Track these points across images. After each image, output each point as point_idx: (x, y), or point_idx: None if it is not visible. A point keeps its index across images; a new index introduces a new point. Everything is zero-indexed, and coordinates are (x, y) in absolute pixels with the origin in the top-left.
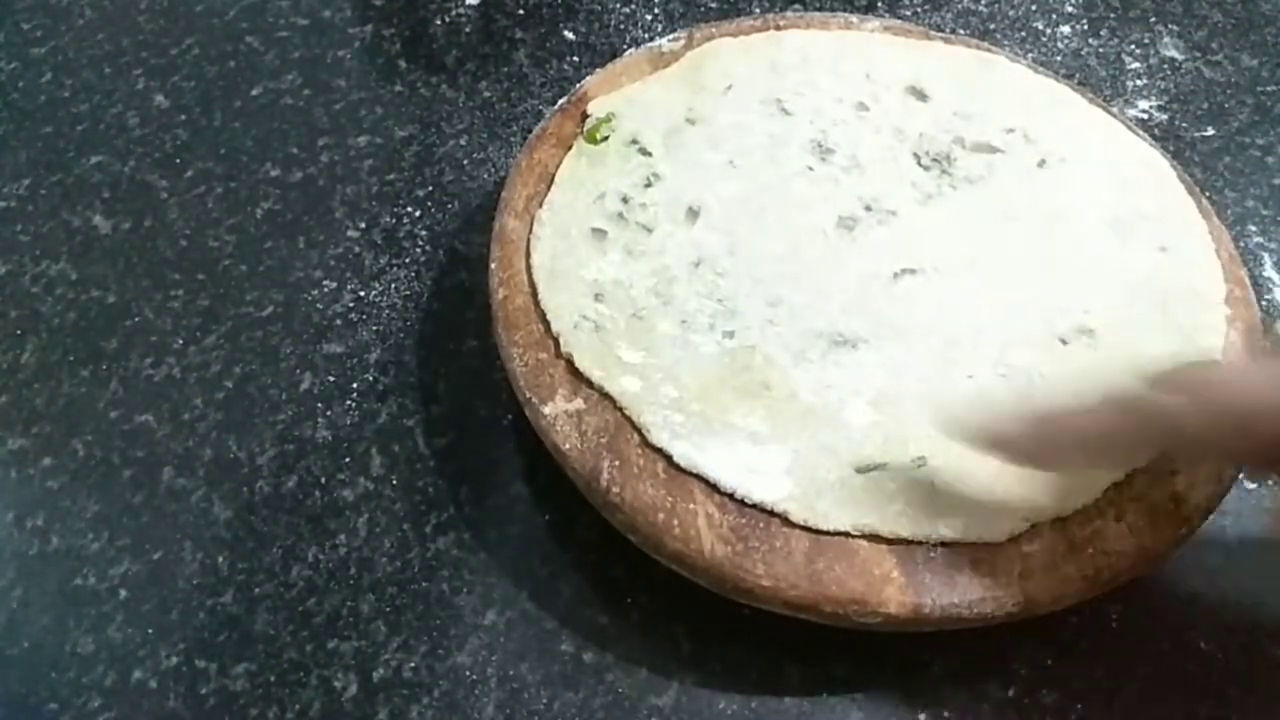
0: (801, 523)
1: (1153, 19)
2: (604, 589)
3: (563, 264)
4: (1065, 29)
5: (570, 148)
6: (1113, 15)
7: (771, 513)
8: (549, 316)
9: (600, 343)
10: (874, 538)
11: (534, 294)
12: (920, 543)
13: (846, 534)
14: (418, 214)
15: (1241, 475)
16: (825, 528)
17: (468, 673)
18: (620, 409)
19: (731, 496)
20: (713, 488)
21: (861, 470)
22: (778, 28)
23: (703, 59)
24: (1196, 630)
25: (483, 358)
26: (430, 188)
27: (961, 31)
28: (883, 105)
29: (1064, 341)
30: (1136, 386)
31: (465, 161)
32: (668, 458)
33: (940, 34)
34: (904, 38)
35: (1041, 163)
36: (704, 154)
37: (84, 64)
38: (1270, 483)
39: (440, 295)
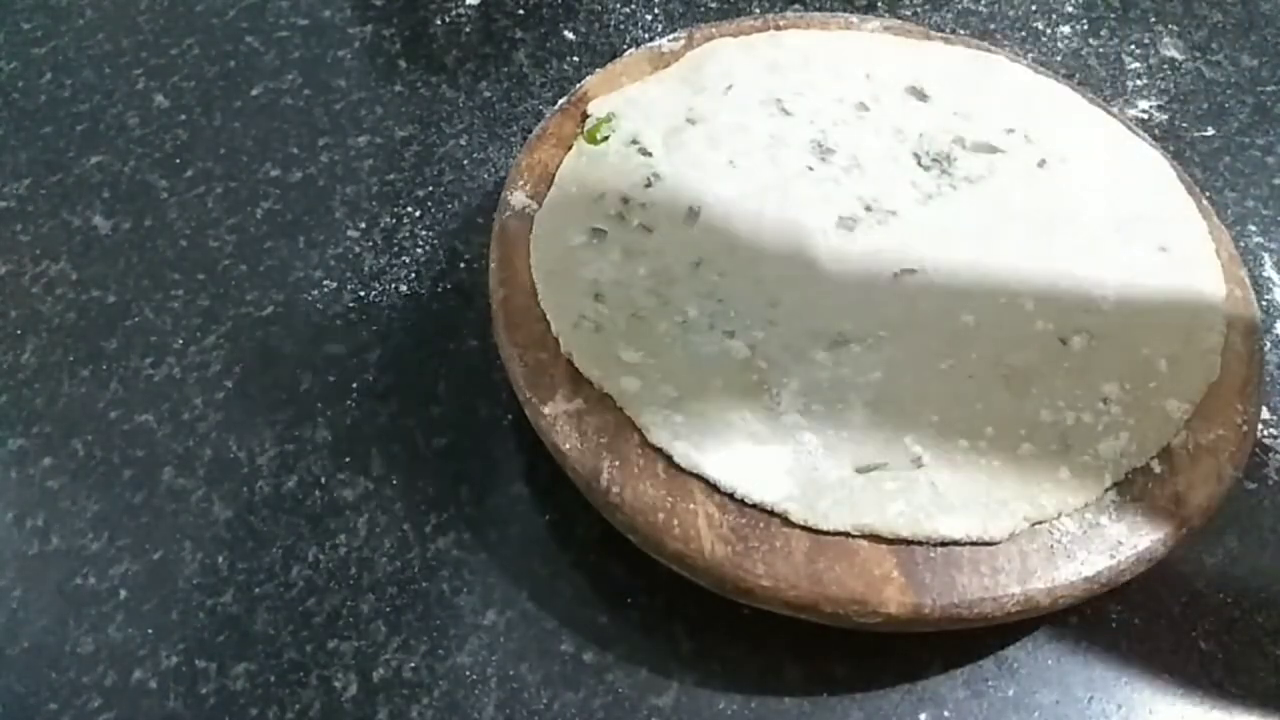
0: (801, 523)
1: (1153, 19)
2: (604, 589)
3: (563, 264)
4: (1065, 29)
5: (570, 148)
6: (1113, 15)
7: (771, 513)
8: (549, 316)
9: (600, 343)
10: (874, 538)
11: (534, 294)
12: (920, 543)
13: (846, 534)
14: (418, 214)
15: (1241, 475)
16: (825, 528)
17: (468, 673)
18: (620, 409)
19: (731, 496)
20: (713, 488)
21: (861, 470)
22: (778, 28)
23: (703, 59)
24: (1196, 630)
25: (483, 358)
26: (430, 188)
27: (961, 31)
28: (883, 105)
29: (1064, 341)
30: None
31: (465, 161)
32: (668, 458)
33: (940, 34)
34: (904, 38)
35: (1041, 163)
36: (704, 154)
37: (84, 64)
38: (1270, 482)
39: (440, 295)
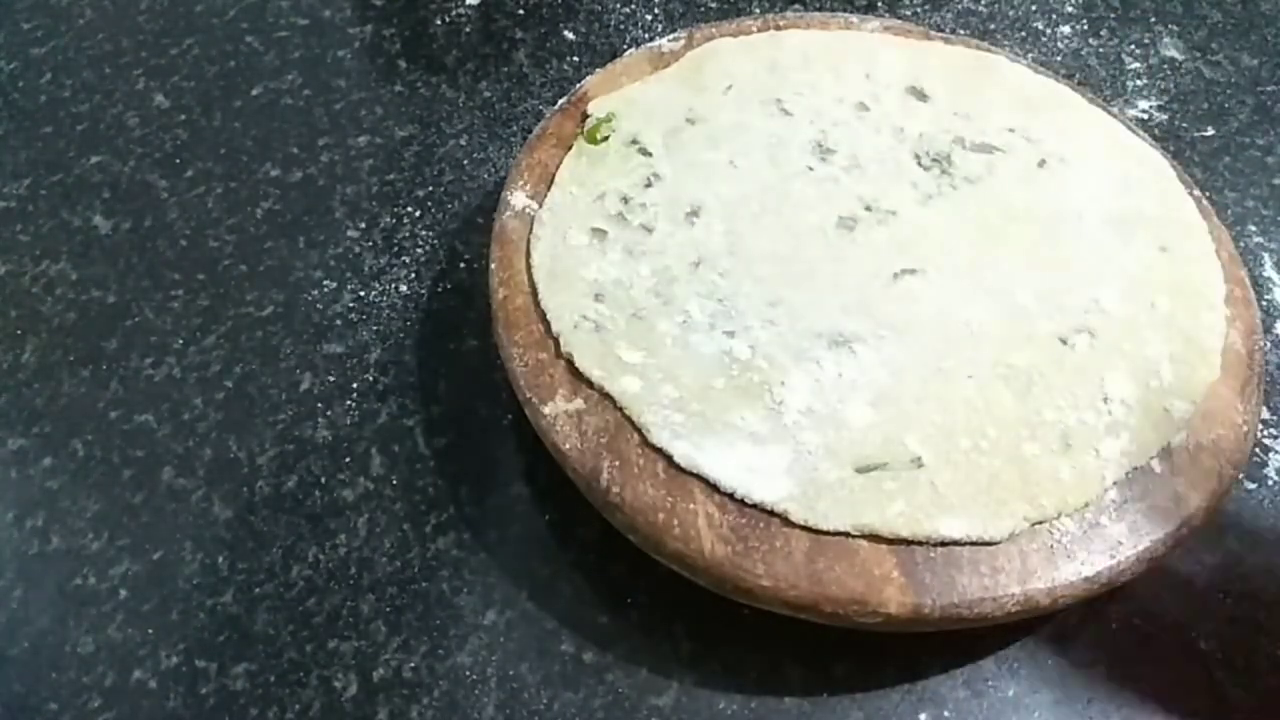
0: (801, 523)
1: (1153, 19)
2: (604, 589)
3: (563, 264)
4: (1065, 29)
5: (570, 148)
6: (1113, 15)
7: (771, 513)
8: (549, 316)
9: (600, 343)
10: (874, 538)
11: (534, 294)
12: (920, 543)
13: (846, 534)
14: (418, 214)
15: (1241, 475)
16: (825, 528)
17: (468, 673)
18: (620, 409)
19: (731, 497)
20: (713, 488)
21: (861, 470)
22: (778, 28)
23: (703, 59)
24: (1196, 630)
25: (483, 358)
26: (430, 188)
27: (961, 31)
28: (883, 105)
29: (1064, 341)
30: None
31: (465, 161)
32: (668, 458)
33: (940, 34)
34: (904, 38)
35: (1041, 163)
36: (704, 154)
37: (84, 64)
38: (1270, 482)
39: (440, 295)
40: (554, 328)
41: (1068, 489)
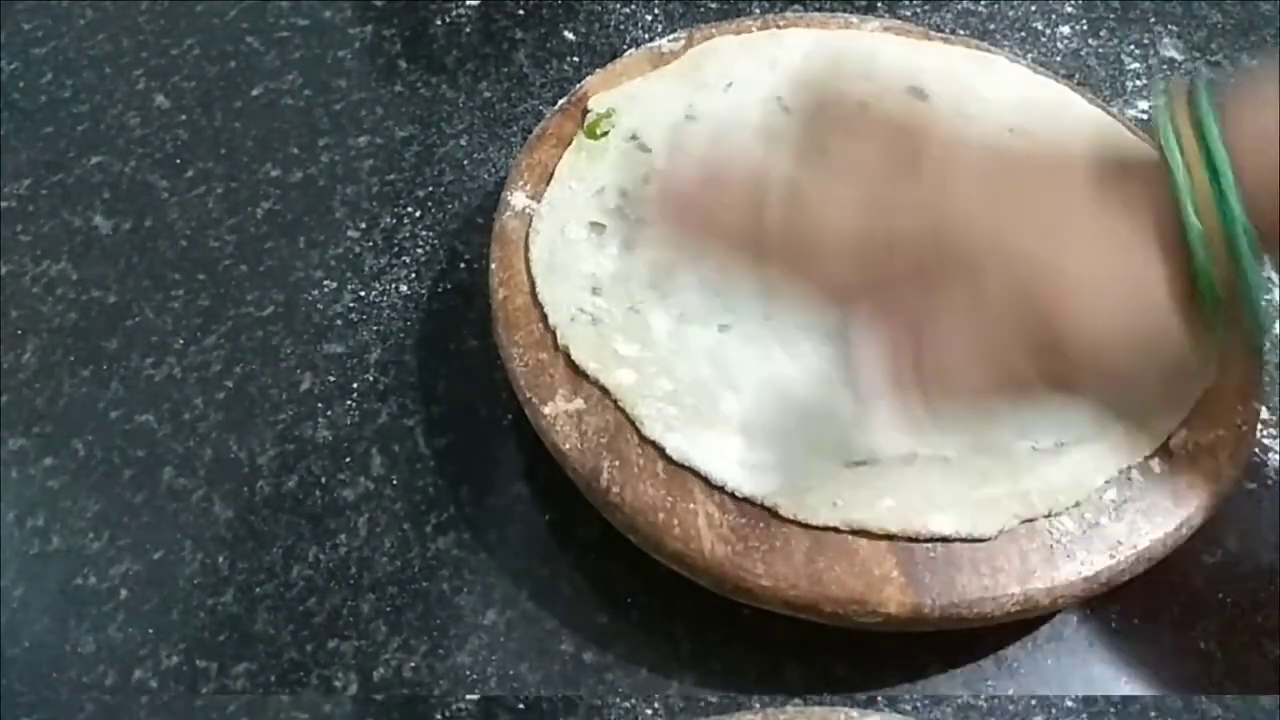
0: (791, 517)
1: (1152, 19)
2: (604, 589)
3: (561, 258)
4: (1065, 29)
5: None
6: (1113, 15)
7: (763, 507)
8: (546, 309)
9: (597, 336)
10: (870, 535)
11: (534, 293)
12: (918, 540)
13: (836, 529)
14: (418, 214)
15: (1241, 475)
16: (815, 523)
17: (468, 673)
18: (619, 408)
19: (731, 496)
20: (712, 487)
21: (853, 465)
22: (778, 28)
23: (703, 56)
24: (1196, 630)
25: (483, 358)
26: (430, 188)
27: (961, 31)
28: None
29: None
30: None
31: (465, 161)
32: (666, 456)
33: (940, 34)
34: (904, 38)
35: None
36: (704, 150)
37: (84, 64)
38: (1270, 482)
39: (440, 295)
40: (551, 320)
41: (1059, 487)
